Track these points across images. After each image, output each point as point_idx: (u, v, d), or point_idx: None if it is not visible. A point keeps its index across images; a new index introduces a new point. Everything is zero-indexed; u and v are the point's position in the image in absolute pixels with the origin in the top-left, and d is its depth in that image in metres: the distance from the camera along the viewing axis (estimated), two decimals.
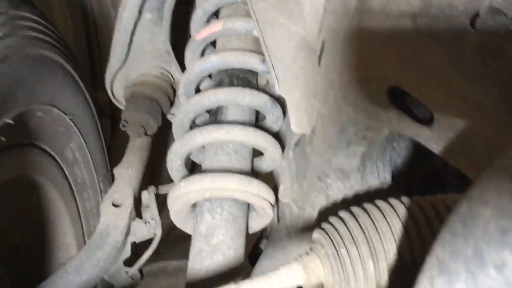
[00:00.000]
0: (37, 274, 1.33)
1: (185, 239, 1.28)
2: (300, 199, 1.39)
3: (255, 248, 1.80)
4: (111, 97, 1.56)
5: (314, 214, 1.25)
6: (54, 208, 1.33)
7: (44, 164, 1.17)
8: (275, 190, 1.40)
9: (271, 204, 1.18)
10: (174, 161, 1.22)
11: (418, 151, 1.51)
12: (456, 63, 0.68)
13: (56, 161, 1.23)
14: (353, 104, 0.86)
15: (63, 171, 1.28)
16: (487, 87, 0.65)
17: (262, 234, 2.02)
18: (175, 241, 1.92)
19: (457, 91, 0.66)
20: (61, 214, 1.36)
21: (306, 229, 1.36)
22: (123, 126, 1.46)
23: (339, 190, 1.10)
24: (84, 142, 1.34)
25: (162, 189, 1.55)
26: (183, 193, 1.13)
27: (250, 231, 1.28)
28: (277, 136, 1.32)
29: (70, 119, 1.21)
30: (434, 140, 0.74)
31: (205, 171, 1.18)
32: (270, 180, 1.51)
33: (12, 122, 0.89)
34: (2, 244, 1.15)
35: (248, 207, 1.23)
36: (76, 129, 1.27)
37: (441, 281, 0.47)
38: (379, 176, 1.13)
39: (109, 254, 1.32)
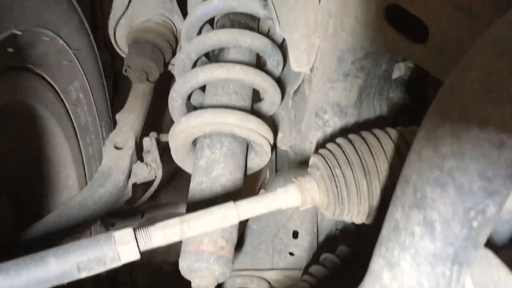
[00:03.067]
0: (40, 213, 1.36)
1: None
2: (298, 145, 1.42)
3: None
4: (114, 44, 1.58)
5: (311, 155, 1.28)
6: (58, 147, 1.36)
7: (49, 97, 1.19)
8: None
9: (270, 143, 1.20)
10: (176, 100, 1.25)
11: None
12: None
13: (61, 97, 1.25)
14: (350, 29, 0.88)
15: (67, 110, 1.30)
16: None
17: (261, 186, 2.06)
18: None
19: (450, 0, 0.69)
20: (64, 154, 1.39)
21: (303, 174, 1.39)
22: (125, 71, 1.48)
23: (336, 126, 1.13)
24: (87, 83, 1.36)
25: (164, 137, 1.58)
26: (184, 128, 1.16)
27: (249, 172, 1.32)
28: (278, 84, 1.34)
29: (74, 54, 1.23)
30: (429, 58, 0.76)
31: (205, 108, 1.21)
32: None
33: (20, 33, 0.90)
34: (6, 173, 1.18)
35: (247, 147, 1.25)
36: (79, 66, 1.29)
37: (428, 150, 0.50)
38: (375, 114, 1.16)
39: (111, 193, 1.35)
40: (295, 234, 1.52)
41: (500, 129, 0.44)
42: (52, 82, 1.20)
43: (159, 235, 0.85)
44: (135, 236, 0.84)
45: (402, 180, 0.55)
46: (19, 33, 0.91)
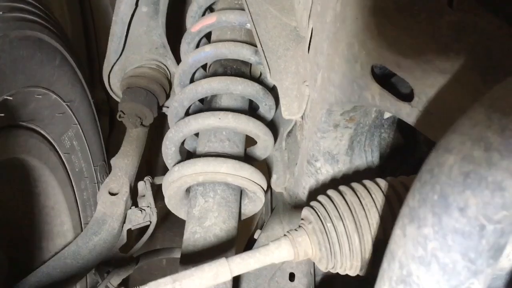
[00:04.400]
0: (34, 261, 1.36)
1: None
2: (292, 187, 1.42)
3: (250, 239, 1.83)
4: (108, 89, 1.60)
5: (305, 200, 1.28)
6: (52, 195, 1.36)
7: (42, 149, 1.21)
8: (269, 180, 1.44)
9: (263, 189, 1.21)
10: (169, 148, 1.26)
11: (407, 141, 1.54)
12: (434, 39, 0.71)
13: (54, 147, 1.26)
14: (339, 84, 0.90)
15: (61, 158, 1.31)
16: (463, 60, 0.69)
17: (257, 225, 2.05)
18: None
19: (435, 65, 0.70)
20: (59, 201, 1.39)
21: (298, 216, 1.39)
22: (120, 116, 1.50)
23: (328, 174, 1.13)
24: (81, 131, 1.37)
25: (158, 180, 1.58)
26: (177, 177, 1.16)
27: (243, 217, 1.32)
28: (271, 127, 1.35)
29: (68, 106, 1.24)
30: (414, 115, 0.77)
31: (198, 157, 1.21)
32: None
33: (11, 98, 0.91)
34: (1, 227, 1.18)
35: (241, 193, 1.26)
36: (73, 116, 1.31)
37: (411, 228, 0.51)
38: (367, 160, 1.17)
39: (105, 240, 1.35)
40: (292, 276, 1.51)
41: (480, 214, 0.44)
42: (45, 134, 1.21)
43: None
44: None
45: (389, 254, 0.55)
46: (10, 98, 0.93)
